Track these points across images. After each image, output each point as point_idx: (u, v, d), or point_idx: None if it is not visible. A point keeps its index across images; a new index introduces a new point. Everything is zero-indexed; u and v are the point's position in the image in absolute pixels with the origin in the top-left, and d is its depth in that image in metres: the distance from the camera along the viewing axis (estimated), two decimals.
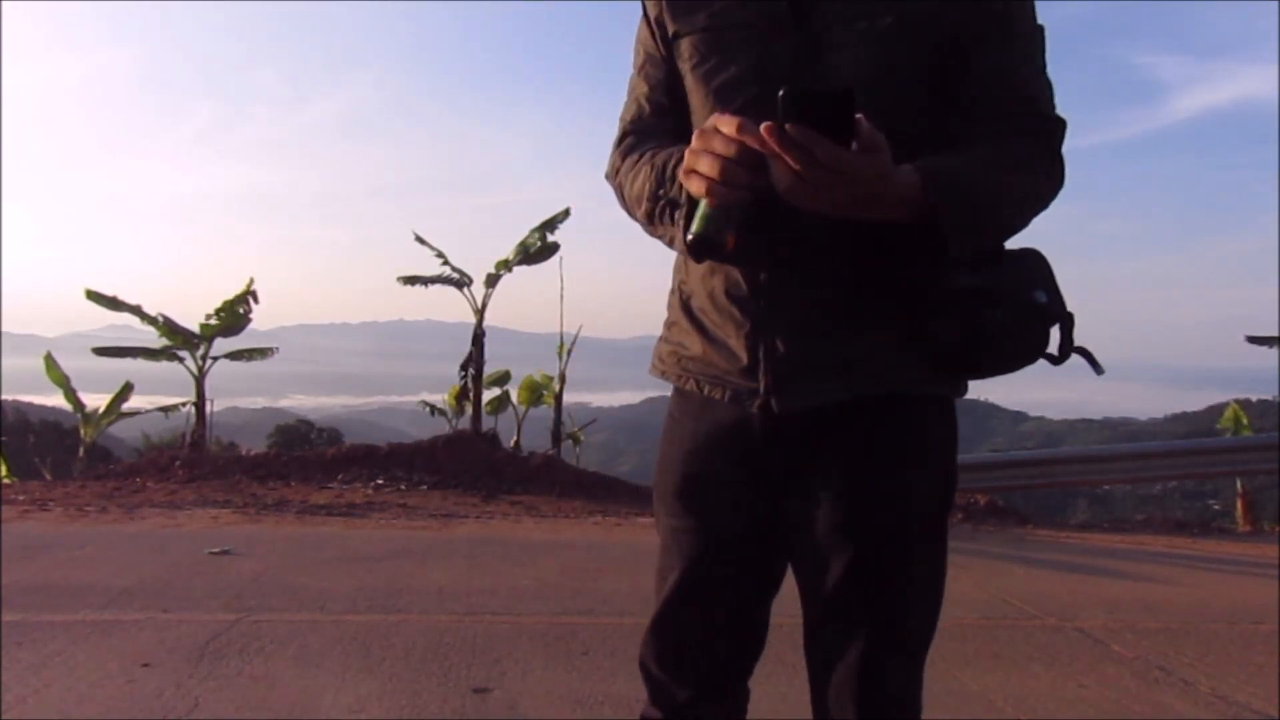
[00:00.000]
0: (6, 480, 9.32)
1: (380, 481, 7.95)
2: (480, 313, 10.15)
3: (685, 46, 1.20)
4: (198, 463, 8.43)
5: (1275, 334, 10.89)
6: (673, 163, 1.10)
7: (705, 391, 1.21)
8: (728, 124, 0.96)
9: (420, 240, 10.10)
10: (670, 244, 1.18)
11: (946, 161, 1.04)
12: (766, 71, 1.12)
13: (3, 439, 12.51)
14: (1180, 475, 9.55)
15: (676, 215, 1.10)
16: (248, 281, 10.61)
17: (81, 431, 10.89)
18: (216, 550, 4.95)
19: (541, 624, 3.70)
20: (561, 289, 10.78)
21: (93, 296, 10.19)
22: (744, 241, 1.01)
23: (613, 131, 1.30)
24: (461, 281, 10.18)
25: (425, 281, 10.23)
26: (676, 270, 1.29)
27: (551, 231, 10.32)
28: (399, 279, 10.48)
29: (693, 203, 1.04)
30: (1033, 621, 3.99)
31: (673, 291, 1.29)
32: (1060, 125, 1.14)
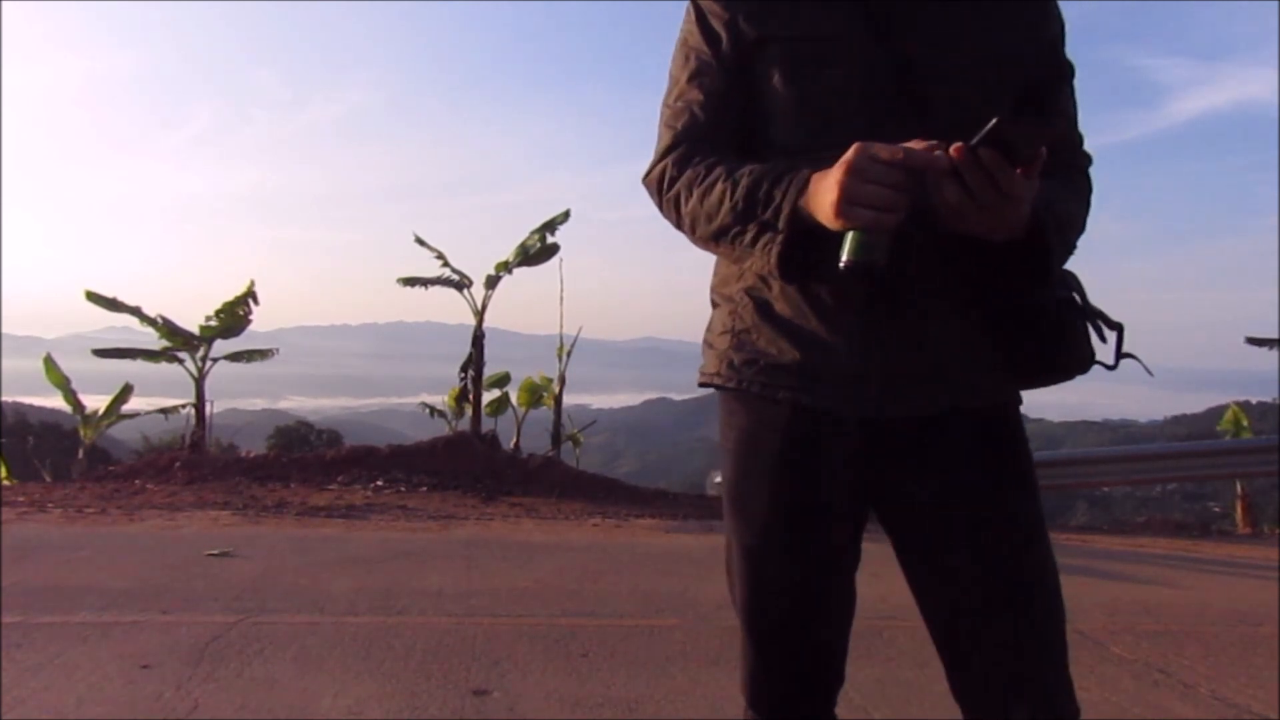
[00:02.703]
0: (6, 482, 9.32)
1: (380, 483, 7.95)
2: (480, 314, 10.14)
3: (773, 52, 1.18)
4: (197, 464, 8.43)
5: (1275, 336, 10.89)
6: (766, 185, 1.10)
7: (804, 402, 1.18)
8: (889, 151, 0.98)
9: (420, 242, 10.10)
10: (737, 261, 1.22)
11: (1044, 192, 1.11)
12: (863, 88, 1.14)
13: (2, 440, 12.50)
14: (1180, 477, 9.54)
15: (764, 240, 1.11)
16: (248, 283, 10.60)
17: (81, 433, 10.87)
18: (216, 552, 4.94)
19: (541, 626, 3.70)
20: (561, 290, 10.77)
21: (92, 298, 10.18)
22: (891, 260, 1.03)
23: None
24: (461, 283, 10.17)
25: (425, 283, 10.22)
26: (735, 278, 1.26)
27: (551, 233, 10.31)
28: (399, 280, 10.47)
29: (792, 227, 1.07)
30: None
31: (729, 299, 1.26)
32: (1090, 160, 1.29)
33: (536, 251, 10.23)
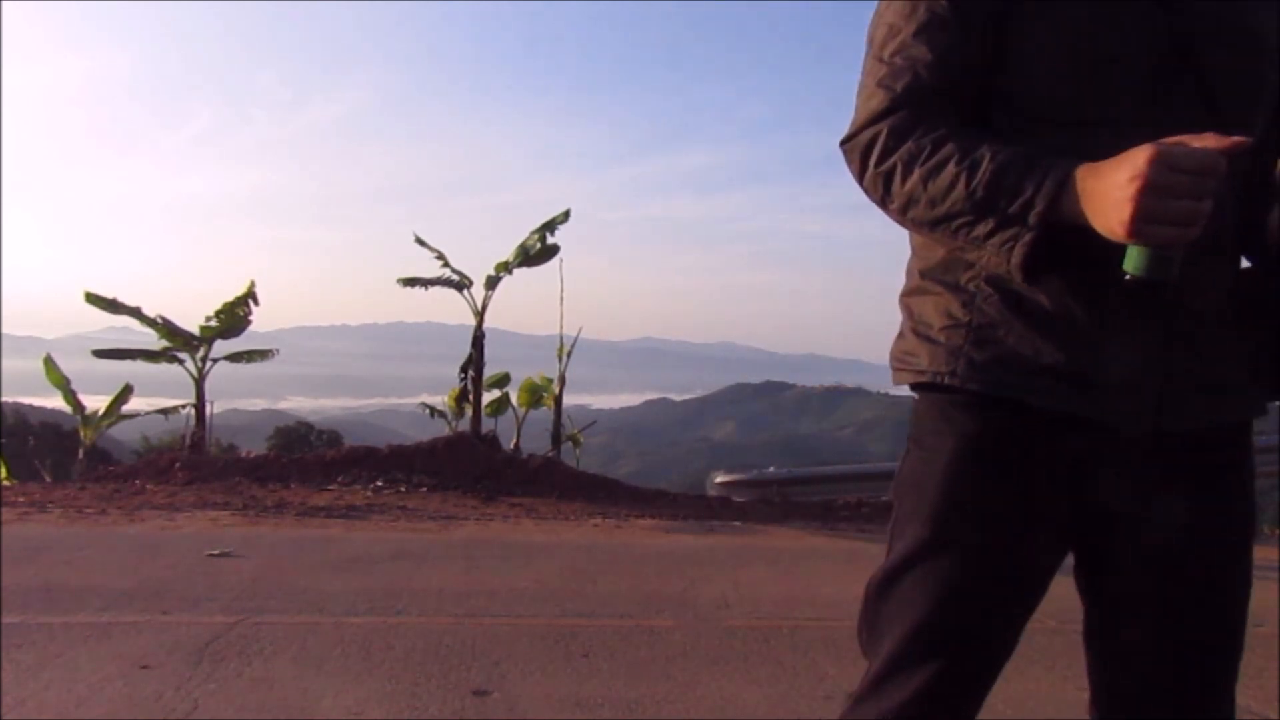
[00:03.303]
0: (6, 482, 9.31)
1: (380, 483, 7.95)
2: (480, 315, 10.13)
3: (1046, 5, 1.03)
4: (197, 465, 8.43)
5: None
6: (1015, 174, 0.96)
7: (1070, 410, 1.04)
8: (1201, 160, 0.85)
9: (420, 242, 10.09)
10: (957, 251, 1.08)
11: None
12: (1141, 56, 1.02)
13: (2, 441, 12.50)
14: None
15: (1003, 235, 0.97)
16: (248, 283, 10.60)
17: (81, 433, 10.87)
18: (216, 552, 4.94)
19: (541, 626, 3.70)
20: (561, 291, 10.79)
21: (92, 299, 10.18)
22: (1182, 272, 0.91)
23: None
24: (461, 283, 10.17)
25: (425, 283, 10.21)
26: (965, 264, 1.10)
27: (551, 233, 10.31)
28: (399, 281, 10.45)
29: (1045, 227, 0.95)
30: (1032, 624, 3.95)
31: (957, 288, 1.10)
32: None
33: (536, 252, 10.23)
